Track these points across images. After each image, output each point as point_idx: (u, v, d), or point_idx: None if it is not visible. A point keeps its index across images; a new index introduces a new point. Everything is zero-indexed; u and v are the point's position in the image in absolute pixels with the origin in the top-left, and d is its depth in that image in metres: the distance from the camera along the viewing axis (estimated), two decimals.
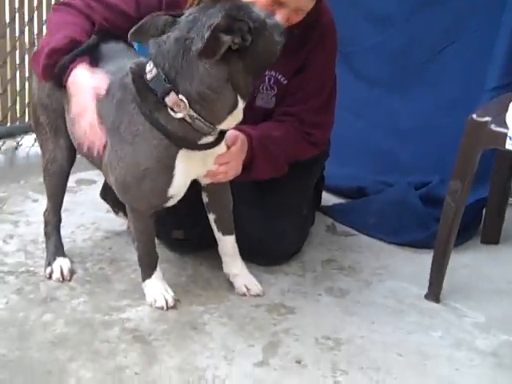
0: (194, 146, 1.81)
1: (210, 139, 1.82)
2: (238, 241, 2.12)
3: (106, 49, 1.97)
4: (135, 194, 1.86)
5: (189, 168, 1.85)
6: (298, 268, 2.28)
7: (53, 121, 2.03)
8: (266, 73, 2.10)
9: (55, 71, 1.87)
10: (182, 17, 1.75)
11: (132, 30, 1.76)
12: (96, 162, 1.95)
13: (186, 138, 1.78)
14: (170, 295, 1.99)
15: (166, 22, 1.74)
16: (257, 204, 2.22)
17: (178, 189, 1.87)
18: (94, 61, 1.91)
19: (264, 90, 2.16)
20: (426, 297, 2.16)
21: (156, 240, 2.15)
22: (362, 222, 2.60)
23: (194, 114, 1.73)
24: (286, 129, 2.09)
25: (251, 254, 2.21)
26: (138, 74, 1.78)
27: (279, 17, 1.89)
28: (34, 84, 2.07)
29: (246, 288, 2.08)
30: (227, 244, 2.09)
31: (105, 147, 1.85)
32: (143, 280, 2.01)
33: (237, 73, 1.72)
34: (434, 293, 2.14)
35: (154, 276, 2.00)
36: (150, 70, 1.75)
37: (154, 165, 1.80)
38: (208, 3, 1.74)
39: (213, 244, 2.11)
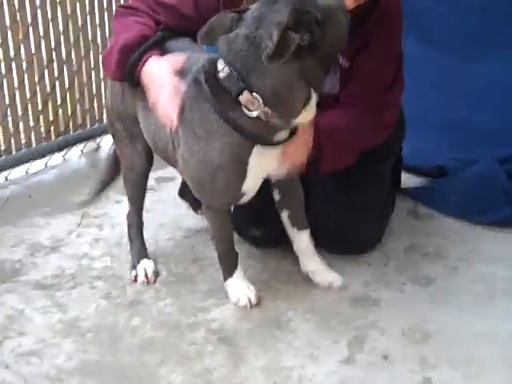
0: (269, 142, 1.80)
1: (283, 135, 1.81)
2: (316, 232, 2.10)
3: (174, 44, 1.96)
4: (209, 190, 1.87)
5: (262, 164, 1.84)
6: (379, 257, 2.23)
7: (128, 127, 2.06)
8: None
9: (127, 66, 1.88)
10: (248, 12, 1.72)
11: (201, 35, 1.75)
12: (171, 160, 1.96)
13: (260, 135, 1.78)
14: (252, 293, 2.00)
15: (233, 20, 1.73)
16: (334, 196, 2.18)
17: (251, 185, 1.87)
18: (164, 54, 1.91)
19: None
20: None
21: (237, 237, 2.18)
22: (445, 203, 2.51)
23: (269, 110, 1.72)
24: (353, 115, 2.02)
25: (331, 244, 2.19)
26: (211, 72, 1.77)
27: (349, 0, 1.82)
28: (108, 91, 2.11)
29: (328, 282, 2.07)
30: (303, 239, 2.07)
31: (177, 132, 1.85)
32: (225, 279, 2.02)
33: (309, 67, 1.69)
34: None
35: (235, 275, 2.01)
36: (222, 69, 1.74)
37: (227, 162, 1.80)
38: None
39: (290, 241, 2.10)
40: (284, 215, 2.07)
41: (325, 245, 2.18)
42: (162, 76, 1.83)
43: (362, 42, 2.03)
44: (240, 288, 2.00)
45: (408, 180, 2.67)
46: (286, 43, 1.62)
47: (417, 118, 2.50)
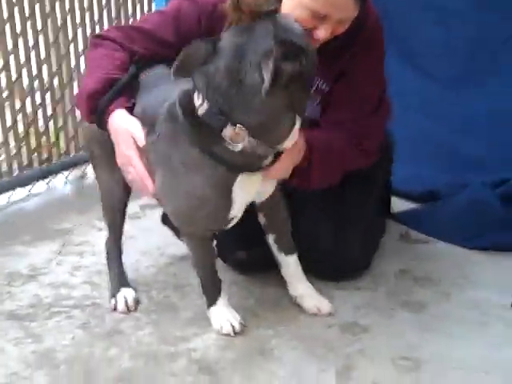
0: (254, 170, 1.75)
1: (269, 160, 1.76)
2: (304, 257, 2.04)
3: (146, 78, 1.91)
4: (193, 220, 1.82)
5: (247, 189, 1.79)
6: (369, 282, 2.16)
7: (108, 153, 1.97)
8: None
9: (94, 117, 1.86)
10: (222, 42, 1.66)
11: (174, 69, 1.67)
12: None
13: (245, 165, 1.73)
14: (236, 321, 1.92)
15: (208, 51, 1.66)
16: (320, 217, 2.12)
17: (237, 211, 1.82)
18: (133, 94, 1.87)
19: None
20: None
21: (221, 263, 2.11)
22: (437, 228, 2.46)
23: (254, 141, 1.67)
24: (340, 139, 1.97)
25: (319, 270, 2.13)
26: (188, 107, 1.71)
27: (323, 32, 1.76)
28: None
29: (317, 307, 1.99)
30: (290, 264, 2.01)
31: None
32: (208, 307, 1.94)
33: (295, 96, 1.65)
34: None
35: (219, 302, 1.93)
36: (202, 104, 1.67)
37: (211, 193, 1.75)
38: (246, 24, 1.67)
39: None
40: (270, 239, 2.01)
41: (313, 270, 2.11)
42: (127, 151, 1.81)
43: (343, 67, 1.98)
44: (223, 315, 1.93)
45: (399, 205, 2.62)
46: (278, 74, 1.57)
47: (406, 144, 2.48)
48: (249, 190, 1.79)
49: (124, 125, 1.83)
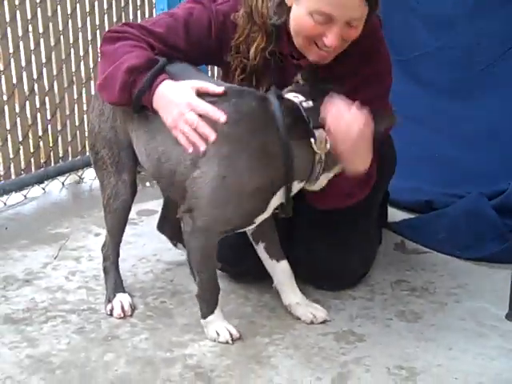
0: (305, 179, 1.80)
1: (323, 180, 1.84)
2: (301, 267, 2.06)
3: (179, 70, 1.86)
4: (229, 216, 1.78)
5: (281, 196, 1.82)
6: (366, 291, 2.16)
7: (115, 154, 1.97)
8: None
9: (137, 90, 1.77)
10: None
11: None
12: (176, 184, 1.82)
13: (298, 174, 1.77)
14: (233, 328, 1.91)
15: None
16: (320, 230, 2.12)
17: (266, 215, 1.84)
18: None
19: None
20: (508, 317, 2.00)
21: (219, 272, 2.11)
22: (433, 238, 2.47)
23: (323, 158, 1.74)
24: None
25: (315, 280, 2.14)
26: (284, 100, 1.77)
27: (332, 37, 1.75)
28: (94, 116, 2.01)
29: (312, 314, 1.99)
30: (283, 269, 2.01)
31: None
32: (204, 317, 1.91)
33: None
34: None
35: (216, 311, 1.91)
36: (306, 100, 1.75)
37: (266, 186, 1.75)
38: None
39: None
40: (260, 248, 2.01)
41: (310, 280, 2.12)
42: (186, 96, 1.74)
43: (348, 76, 1.90)
44: (221, 323, 1.91)
45: (394, 215, 2.62)
46: None
47: (404, 155, 2.47)
48: (281, 197, 1.81)
49: (179, 85, 1.76)
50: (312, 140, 1.73)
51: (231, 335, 1.89)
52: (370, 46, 1.91)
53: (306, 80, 1.83)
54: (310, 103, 1.74)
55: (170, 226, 2.29)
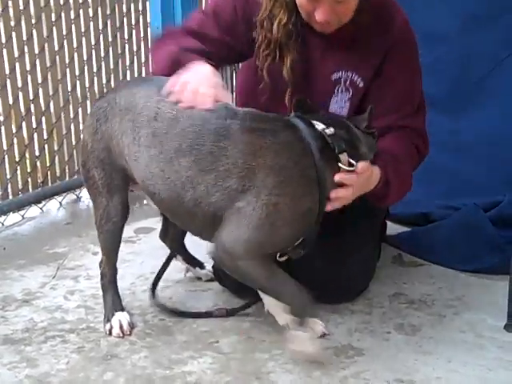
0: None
1: None
2: (301, 282, 2.02)
3: None
4: (281, 233, 1.78)
5: None
6: (364, 305, 2.17)
7: (107, 175, 1.96)
8: (342, 74, 2.05)
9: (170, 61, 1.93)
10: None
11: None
12: (196, 209, 1.79)
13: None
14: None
15: None
16: (319, 246, 2.11)
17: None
18: None
19: (339, 92, 2.07)
20: (506, 328, 2.01)
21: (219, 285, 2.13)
22: (430, 250, 2.47)
23: None
24: (399, 147, 2.01)
25: (314, 294, 2.11)
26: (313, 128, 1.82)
27: (320, 13, 1.87)
28: (87, 136, 1.99)
29: (311, 329, 1.98)
30: None
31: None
32: (301, 323, 1.85)
33: None
34: None
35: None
36: (328, 127, 1.81)
37: (314, 207, 1.78)
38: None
39: None
40: None
41: (308, 293, 2.12)
42: (209, 75, 1.84)
43: (377, 64, 2.01)
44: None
45: (392, 228, 2.63)
46: None
47: None
48: None
49: (212, 71, 1.86)
50: (340, 164, 1.79)
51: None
52: (403, 34, 2.02)
53: (297, 109, 1.90)
54: (332, 130, 1.80)
55: (170, 237, 2.30)
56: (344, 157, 1.79)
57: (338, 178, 1.79)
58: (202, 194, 1.77)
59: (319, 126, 1.82)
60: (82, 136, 2.08)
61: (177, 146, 1.80)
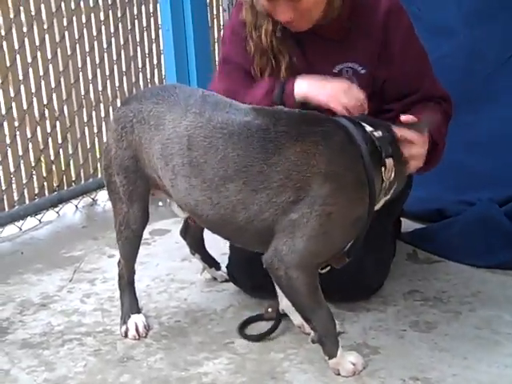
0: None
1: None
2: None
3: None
4: (334, 242, 1.77)
5: None
6: (378, 303, 2.16)
7: (130, 183, 1.92)
8: (342, 66, 2.04)
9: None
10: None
11: None
12: (248, 226, 1.75)
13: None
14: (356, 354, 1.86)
15: None
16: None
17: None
18: None
19: None
20: None
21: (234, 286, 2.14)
22: (445, 247, 2.45)
23: (387, 185, 1.80)
24: (434, 110, 2.04)
25: (329, 292, 2.11)
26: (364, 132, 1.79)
27: (278, 14, 1.88)
28: (111, 140, 1.94)
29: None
30: None
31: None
32: (333, 355, 1.81)
33: None
34: None
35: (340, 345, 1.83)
36: (376, 130, 1.78)
37: (365, 212, 1.76)
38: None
39: None
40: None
41: (323, 292, 2.11)
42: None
43: (375, 43, 2.01)
44: (347, 354, 1.84)
45: (407, 224, 2.62)
46: None
47: None
48: None
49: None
50: (383, 169, 1.76)
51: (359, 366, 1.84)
52: (391, 5, 2.01)
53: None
54: (380, 133, 1.77)
55: (190, 234, 2.30)
56: (390, 161, 1.76)
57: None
58: (254, 212, 1.73)
59: (367, 127, 1.78)
60: (105, 139, 2.06)
61: (221, 173, 1.74)
